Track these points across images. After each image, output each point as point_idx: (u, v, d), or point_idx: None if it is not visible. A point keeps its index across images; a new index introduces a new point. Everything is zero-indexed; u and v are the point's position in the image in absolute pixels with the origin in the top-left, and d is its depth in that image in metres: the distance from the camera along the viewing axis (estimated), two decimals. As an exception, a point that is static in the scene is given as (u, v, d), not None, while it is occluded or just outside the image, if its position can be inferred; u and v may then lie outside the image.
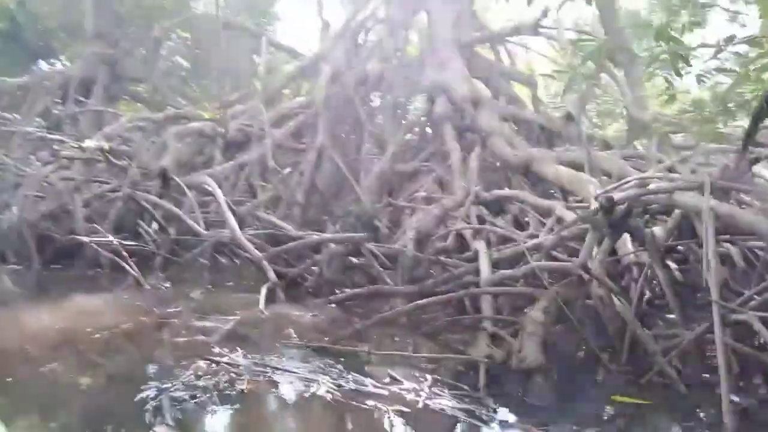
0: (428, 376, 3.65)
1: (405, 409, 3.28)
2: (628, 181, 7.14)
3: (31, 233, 8.24)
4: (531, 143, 10.21)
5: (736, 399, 3.52)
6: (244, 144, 11.87)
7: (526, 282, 5.08)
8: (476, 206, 8.11)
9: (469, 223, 7.60)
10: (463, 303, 5.22)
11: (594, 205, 7.15)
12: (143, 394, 3.36)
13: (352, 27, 12.18)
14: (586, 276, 4.21)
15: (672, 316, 4.52)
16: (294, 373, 3.58)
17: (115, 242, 7.49)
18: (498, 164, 10.18)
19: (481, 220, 7.73)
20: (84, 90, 16.32)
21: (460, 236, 7.38)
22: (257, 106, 11.66)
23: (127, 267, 7.07)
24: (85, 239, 7.71)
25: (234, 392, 3.27)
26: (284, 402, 3.32)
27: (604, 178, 8.57)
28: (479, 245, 5.92)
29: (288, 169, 11.40)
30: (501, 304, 4.92)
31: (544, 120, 11.60)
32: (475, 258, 6.40)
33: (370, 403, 3.27)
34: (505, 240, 7.58)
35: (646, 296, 4.81)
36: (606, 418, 3.49)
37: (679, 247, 5.65)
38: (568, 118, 9.54)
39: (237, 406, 3.24)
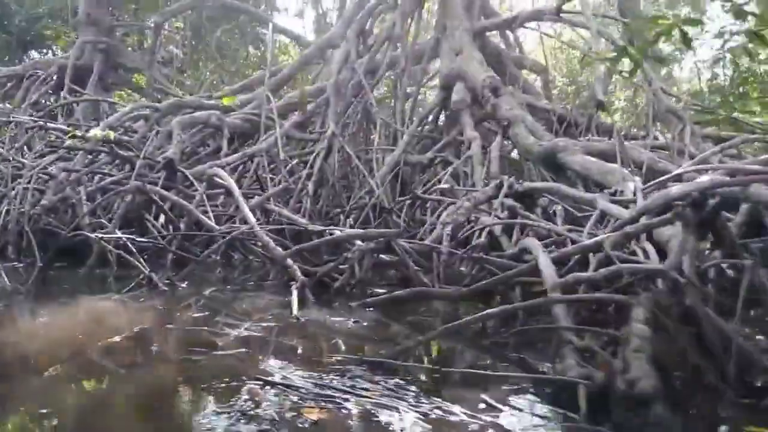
0: (523, 402, 3.09)
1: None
2: (676, 174, 6.67)
3: (32, 228, 7.67)
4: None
5: None
6: (251, 134, 11.33)
7: (591, 286, 4.52)
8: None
9: (500, 217, 7.04)
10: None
11: (628, 195, 6.73)
12: (194, 425, 2.79)
13: (361, 13, 11.56)
14: (681, 281, 3.66)
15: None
16: (365, 397, 3.01)
17: (123, 238, 6.90)
18: (517, 155, 9.71)
19: (512, 214, 7.18)
20: (78, 79, 15.71)
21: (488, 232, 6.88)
22: (264, 94, 11.06)
23: (139, 265, 6.47)
24: (92, 235, 7.13)
25: (305, 423, 2.70)
26: (368, 437, 2.75)
27: (635, 169, 8.11)
28: (531, 243, 5.36)
29: (295, 161, 10.84)
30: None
31: (560, 109, 11.14)
32: (517, 256, 5.90)
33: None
34: (539, 236, 7.09)
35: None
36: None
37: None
38: (598, 106, 9.02)
39: (316, 442, 2.68)
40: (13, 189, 8.89)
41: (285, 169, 10.24)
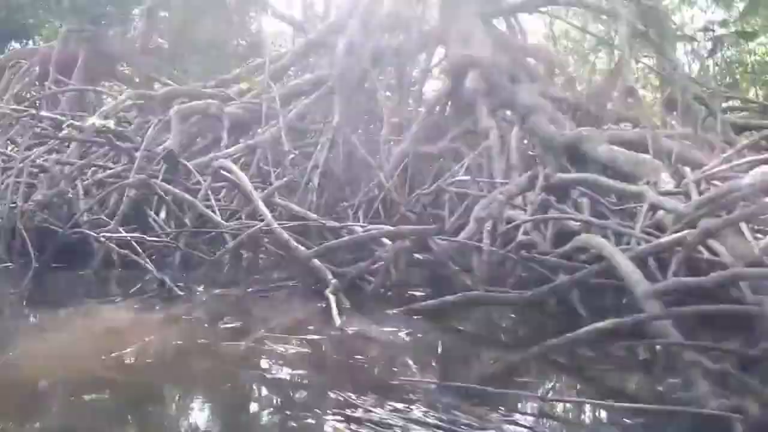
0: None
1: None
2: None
3: (26, 226, 6.96)
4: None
5: None
6: (250, 125, 10.63)
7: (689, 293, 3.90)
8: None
9: (535, 211, 6.43)
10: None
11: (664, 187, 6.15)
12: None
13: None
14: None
15: None
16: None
17: (129, 236, 6.23)
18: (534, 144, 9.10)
19: (544, 208, 6.57)
20: (63, 69, 14.89)
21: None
22: (265, 83, 10.36)
23: (149, 267, 5.80)
24: (96, 234, 6.45)
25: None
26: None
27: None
28: (598, 242, 4.75)
29: (296, 152, 10.17)
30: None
31: (572, 99, 10.56)
32: (569, 255, 5.30)
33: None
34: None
35: None
36: None
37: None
38: (629, 93, 8.44)
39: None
40: (1, 183, 8.19)
41: (289, 162, 9.58)
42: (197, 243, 7.07)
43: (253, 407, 2.86)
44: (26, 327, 4.48)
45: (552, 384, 3.36)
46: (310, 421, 2.58)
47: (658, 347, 3.54)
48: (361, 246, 6.25)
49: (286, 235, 6.07)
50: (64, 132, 7.85)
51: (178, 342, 3.88)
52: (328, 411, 2.67)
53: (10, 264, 6.75)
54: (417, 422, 2.55)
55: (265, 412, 2.77)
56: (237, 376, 3.29)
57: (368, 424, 2.51)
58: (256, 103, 10.27)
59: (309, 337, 4.01)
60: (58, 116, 9.29)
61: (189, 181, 8.21)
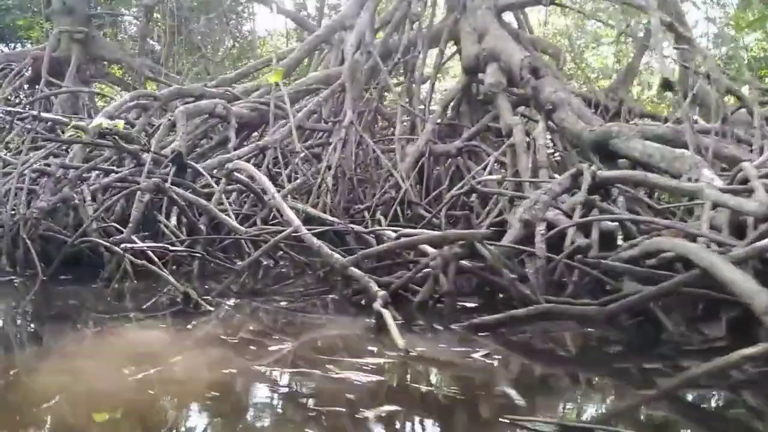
0: None
1: None
2: None
3: (30, 235, 6.34)
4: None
5: None
6: (256, 125, 10.05)
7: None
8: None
9: (583, 213, 5.89)
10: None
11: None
12: None
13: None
14: None
15: None
16: None
17: (153, 247, 5.63)
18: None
19: (589, 207, 6.03)
20: (55, 72, 14.25)
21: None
22: (273, 81, 9.75)
23: (170, 279, 5.20)
24: (107, 242, 5.84)
25: None
26: None
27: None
28: (686, 246, 4.19)
29: (308, 153, 9.60)
30: None
31: (588, 93, 10.06)
32: (635, 260, 4.75)
33: None
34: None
35: None
36: None
37: None
38: (665, 85, 7.90)
39: None
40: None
41: (300, 163, 9.01)
42: (213, 251, 6.47)
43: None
44: (44, 350, 3.87)
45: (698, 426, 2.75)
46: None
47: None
48: (395, 253, 5.70)
49: (317, 241, 5.49)
50: (70, 134, 7.22)
51: (219, 367, 3.29)
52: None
53: (13, 277, 6.13)
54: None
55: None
56: (296, 411, 2.72)
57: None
58: (264, 103, 9.67)
59: (370, 360, 3.42)
60: (60, 117, 8.65)
61: (197, 184, 7.65)
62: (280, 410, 2.85)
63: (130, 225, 6.09)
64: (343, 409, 2.69)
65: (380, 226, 7.76)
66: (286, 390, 3.09)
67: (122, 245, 5.60)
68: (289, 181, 8.76)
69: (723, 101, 8.49)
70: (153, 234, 6.76)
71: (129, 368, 3.23)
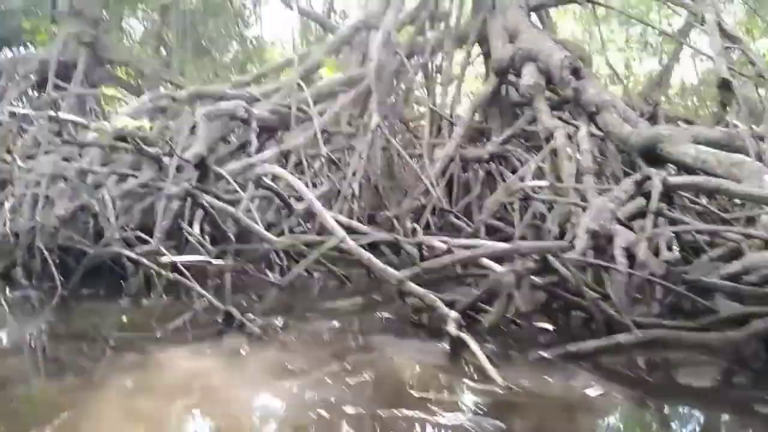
0: None
1: None
2: None
3: (47, 244, 5.73)
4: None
5: None
6: (277, 128, 9.42)
7: None
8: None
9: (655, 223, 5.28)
10: None
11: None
12: None
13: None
14: None
15: None
16: None
17: (197, 261, 5.03)
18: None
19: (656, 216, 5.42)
20: (62, 75, 13.63)
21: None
22: (294, 83, 9.15)
23: (207, 296, 4.59)
24: (136, 255, 5.23)
25: None
26: None
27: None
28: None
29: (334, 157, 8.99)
30: None
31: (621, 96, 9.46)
32: (733, 277, 4.17)
33: None
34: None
35: None
36: None
37: None
38: (724, 86, 7.32)
39: None
40: (12, 196, 6.95)
41: (326, 168, 8.41)
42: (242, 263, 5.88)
43: None
44: (91, 384, 3.25)
45: None
46: None
47: None
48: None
49: (365, 252, 4.89)
50: (92, 135, 6.61)
51: (300, 407, 2.69)
52: None
53: (31, 291, 5.50)
54: None
55: None
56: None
57: None
58: (285, 105, 9.05)
59: (469, 398, 2.85)
60: (79, 119, 8.00)
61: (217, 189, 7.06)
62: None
63: (157, 235, 5.48)
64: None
65: (416, 234, 7.18)
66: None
67: (162, 259, 4.96)
68: (314, 186, 8.15)
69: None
70: (177, 243, 6.15)
71: (199, 409, 2.62)
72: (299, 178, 8.10)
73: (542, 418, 2.79)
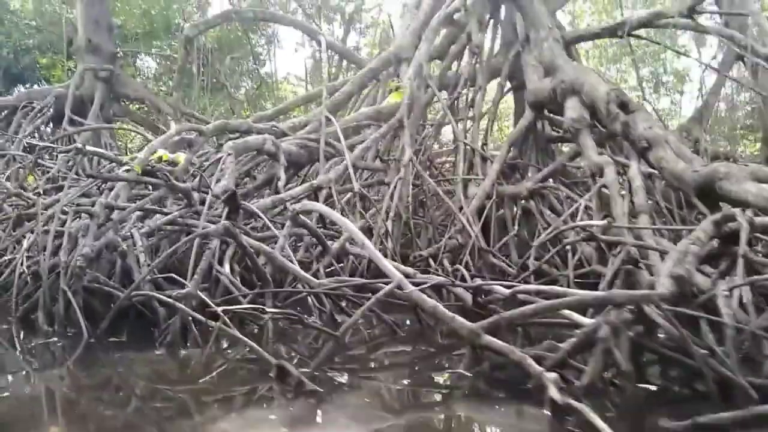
0: None
1: None
2: None
3: (72, 287, 5.11)
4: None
5: None
6: (303, 163, 8.85)
7: None
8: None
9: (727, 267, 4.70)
10: None
11: None
12: None
13: (436, 19, 9.14)
14: None
15: None
16: None
17: (243, 308, 4.41)
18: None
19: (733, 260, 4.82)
20: (77, 110, 13.15)
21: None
22: (322, 116, 8.60)
23: (261, 351, 3.96)
24: (170, 300, 4.61)
25: None
26: None
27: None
28: None
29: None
30: None
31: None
32: None
33: None
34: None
35: None
36: None
37: None
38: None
39: None
40: (30, 233, 6.37)
41: (359, 204, 7.81)
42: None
43: None
44: None
45: None
46: None
47: None
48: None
49: (429, 299, 4.27)
50: (124, 169, 6.02)
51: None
52: None
53: (52, 337, 4.88)
54: None
55: None
56: None
57: None
58: (313, 139, 8.50)
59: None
60: (106, 152, 7.43)
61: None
62: None
63: (195, 277, 4.84)
64: None
65: (456, 275, 6.61)
66: None
67: (210, 307, 4.35)
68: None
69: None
70: (207, 285, 5.52)
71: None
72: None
73: None
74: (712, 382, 3.47)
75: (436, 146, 10.77)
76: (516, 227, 8.01)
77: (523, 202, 8.25)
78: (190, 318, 4.59)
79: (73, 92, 13.10)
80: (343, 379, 3.86)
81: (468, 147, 8.58)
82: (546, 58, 8.64)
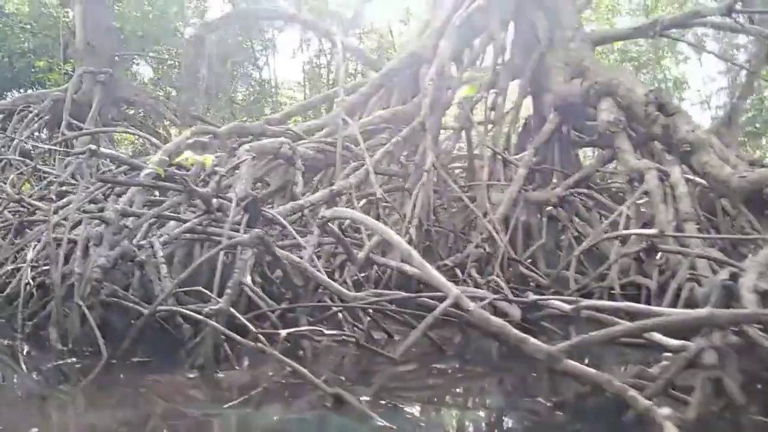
0: None
1: None
2: None
3: (88, 302, 4.57)
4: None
5: None
6: (319, 168, 8.35)
7: None
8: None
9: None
10: None
11: None
12: None
13: (460, 18, 8.64)
14: None
15: None
16: None
17: (308, 331, 3.91)
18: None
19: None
20: (75, 114, 12.59)
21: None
22: (339, 118, 8.10)
23: (314, 380, 3.44)
24: (201, 317, 4.08)
25: None
26: None
27: None
28: None
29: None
30: None
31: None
32: None
33: None
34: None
35: None
36: None
37: None
38: None
39: None
40: (34, 242, 5.85)
41: (383, 211, 7.32)
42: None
43: None
44: None
45: None
46: None
47: None
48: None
49: (497, 319, 3.77)
50: (146, 172, 5.49)
51: None
52: None
53: (71, 358, 4.34)
54: None
55: None
56: None
57: None
58: (330, 143, 8.00)
59: None
60: (120, 155, 6.90)
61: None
62: None
63: (228, 291, 4.30)
64: None
65: (498, 288, 6.13)
66: None
67: (259, 330, 3.84)
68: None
69: None
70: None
71: None
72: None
73: None
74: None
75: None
76: (544, 236, 7.53)
77: (549, 209, 7.78)
78: (223, 336, 4.06)
79: (71, 95, 12.52)
80: (414, 410, 3.34)
81: (492, 152, 8.08)
82: (573, 59, 8.18)
